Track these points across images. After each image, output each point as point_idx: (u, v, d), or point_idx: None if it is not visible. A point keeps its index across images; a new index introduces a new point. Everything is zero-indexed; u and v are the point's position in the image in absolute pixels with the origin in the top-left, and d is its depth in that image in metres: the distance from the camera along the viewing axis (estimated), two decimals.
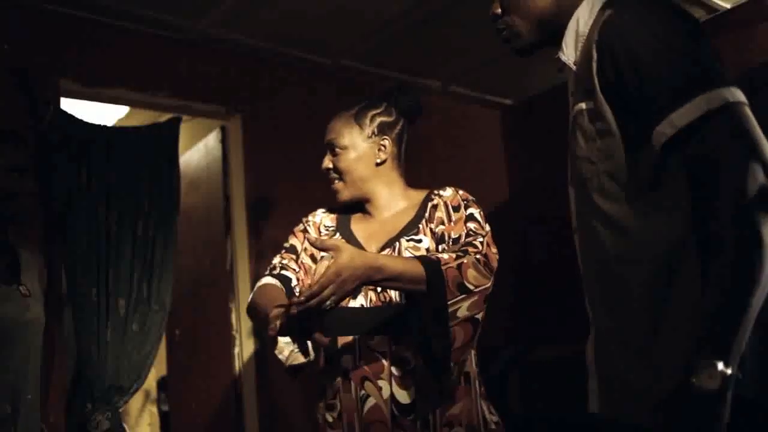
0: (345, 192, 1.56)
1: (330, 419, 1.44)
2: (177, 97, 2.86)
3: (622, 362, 1.07)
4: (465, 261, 1.36)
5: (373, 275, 1.27)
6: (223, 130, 3.12)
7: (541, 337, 3.77)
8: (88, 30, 2.62)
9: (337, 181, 1.57)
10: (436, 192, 1.56)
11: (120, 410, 2.37)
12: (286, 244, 1.63)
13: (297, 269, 1.57)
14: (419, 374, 1.39)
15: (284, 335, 1.28)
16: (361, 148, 1.55)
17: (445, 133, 3.82)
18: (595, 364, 1.13)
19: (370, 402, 1.39)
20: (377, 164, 1.55)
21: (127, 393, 2.39)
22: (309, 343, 1.31)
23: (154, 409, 4.24)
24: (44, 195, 2.28)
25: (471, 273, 1.36)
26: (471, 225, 1.48)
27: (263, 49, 3.03)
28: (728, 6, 3.07)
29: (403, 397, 1.38)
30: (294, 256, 1.59)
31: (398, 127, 1.60)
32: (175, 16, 2.68)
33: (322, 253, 1.56)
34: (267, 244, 3.00)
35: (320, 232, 1.61)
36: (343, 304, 1.41)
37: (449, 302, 1.32)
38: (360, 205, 1.60)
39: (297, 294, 1.52)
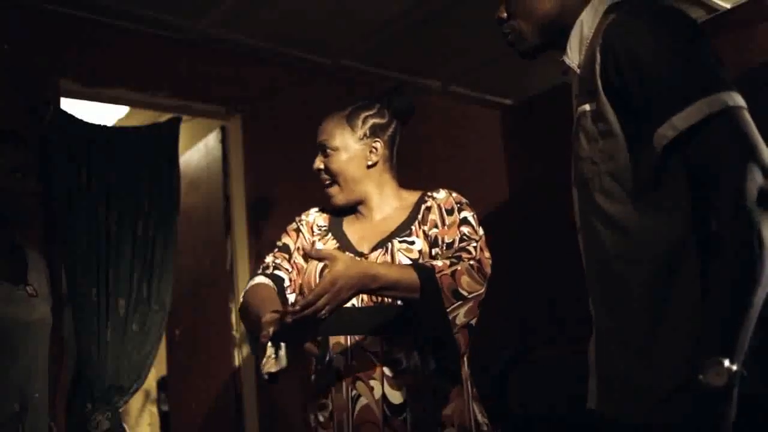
0: (340, 196, 1.56)
1: (321, 419, 1.44)
2: (177, 97, 2.86)
3: (622, 362, 1.08)
4: (459, 268, 1.36)
5: (368, 284, 1.27)
6: (223, 130, 3.12)
7: (541, 338, 3.77)
8: (88, 30, 2.62)
9: (330, 185, 1.57)
10: (429, 194, 1.56)
11: (120, 410, 2.38)
12: (279, 243, 1.63)
13: (290, 269, 1.57)
14: (411, 374, 1.39)
15: (277, 341, 1.28)
16: (352, 150, 1.54)
17: (445, 133, 3.82)
18: (596, 364, 1.15)
19: (362, 402, 1.39)
20: (368, 166, 1.55)
21: (127, 393, 2.39)
22: (284, 350, 1.30)
23: (154, 409, 4.24)
24: (44, 195, 2.28)
25: (465, 279, 1.36)
26: (465, 229, 1.47)
27: (263, 49, 3.03)
28: (728, 6, 3.07)
29: (394, 397, 1.38)
30: (287, 256, 1.59)
31: (391, 129, 1.59)
32: (175, 16, 2.69)
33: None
34: (267, 244, 2.99)
35: (313, 232, 1.61)
36: None
37: (448, 309, 1.33)
38: (353, 206, 1.59)
39: (289, 293, 1.53)
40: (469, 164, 3.88)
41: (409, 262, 1.43)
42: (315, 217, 1.64)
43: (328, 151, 1.55)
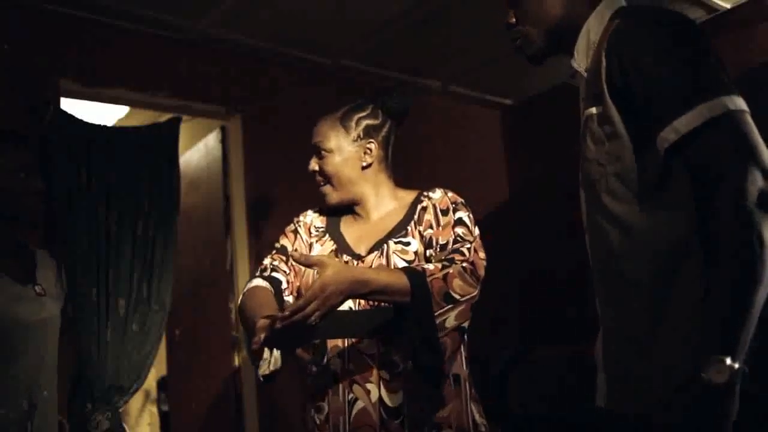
0: (333, 195, 1.56)
1: (318, 421, 1.44)
2: (177, 97, 2.86)
3: (626, 358, 1.10)
4: (451, 271, 1.36)
5: (358, 289, 1.27)
6: (223, 130, 3.12)
7: (541, 338, 3.77)
8: (88, 30, 2.62)
9: (324, 185, 1.57)
10: (425, 194, 1.56)
11: (120, 410, 2.37)
12: (277, 245, 1.63)
13: (287, 271, 1.56)
14: (408, 377, 1.38)
15: (270, 347, 1.28)
16: (346, 152, 1.54)
17: (445, 133, 3.82)
18: (603, 361, 1.17)
19: (359, 405, 1.39)
20: (363, 167, 1.55)
21: (127, 393, 2.39)
22: (277, 353, 1.30)
23: (154, 409, 4.24)
24: (44, 195, 2.28)
25: (457, 283, 1.35)
26: (459, 230, 1.47)
27: (263, 49, 3.03)
28: (728, 6, 3.08)
29: (391, 400, 1.38)
30: (284, 258, 1.59)
31: (385, 130, 1.59)
32: (175, 16, 2.69)
33: (312, 254, 1.56)
34: (267, 244, 2.99)
35: (310, 233, 1.61)
36: None
37: (437, 313, 1.32)
38: (350, 207, 1.59)
39: (286, 295, 1.53)
40: (469, 164, 3.89)
41: (404, 264, 1.43)
42: (312, 219, 1.64)
43: (323, 152, 1.55)
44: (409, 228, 1.50)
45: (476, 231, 1.49)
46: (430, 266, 1.36)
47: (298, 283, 1.55)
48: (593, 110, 1.12)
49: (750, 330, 0.93)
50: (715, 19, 3.09)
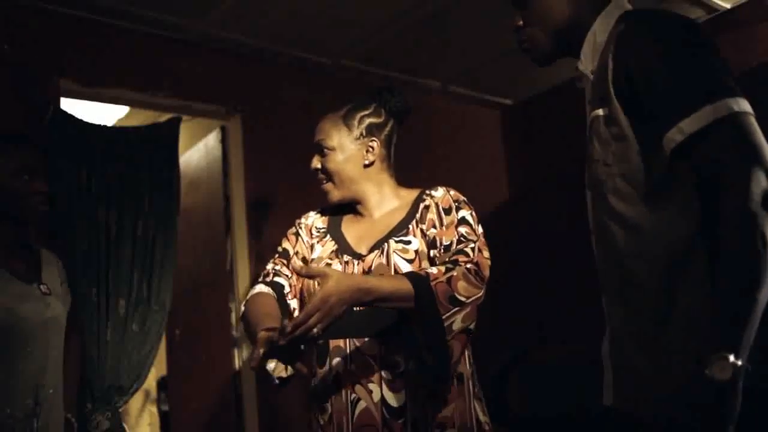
0: (335, 192, 1.56)
1: (321, 422, 1.44)
2: (177, 97, 2.86)
3: (632, 357, 1.12)
4: (455, 273, 1.35)
5: (361, 297, 1.26)
6: (223, 130, 3.12)
7: (541, 338, 3.77)
8: (88, 30, 2.62)
9: (326, 182, 1.57)
10: (427, 192, 1.55)
11: (120, 410, 2.38)
12: (280, 248, 1.63)
13: (289, 275, 1.57)
14: (410, 377, 1.38)
15: (272, 358, 1.28)
16: (349, 150, 1.54)
17: (445, 133, 3.82)
18: (611, 360, 1.19)
19: (361, 405, 1.39)
20: (365, 165, 1.55)
21: (127, 393, 2.39)
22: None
23: (154, 409, 4.24)
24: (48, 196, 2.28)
25: (462, 285, 1.35)
26: (462, 229, 1.46)
27: (263, 49, 3.03)
28: (728, 6, 3.08)
29: (393, 400, 1.38)
30: (286, 261, 1.59)
31: (387, 128, 1.59)
32: (175, 16, 2.69)
33: (313, 255, 1.56)
34: (267, 244, 3.00)
35: (312, 234, 1.61)
36: None
37: (444, 317, 1.32)
38: (352, 206, 1.59)
39: (289, 299, 1.53)
40: (469, 164, 3.89)
41: (405, 263, 1.43)
42: (314, 220, 1.64)
43: (325, 150, 1.55)
44: (410, 227, 1.49)
45: (480, 229, 1.49)
46: (434, 270, 1.36)
47: (300, 286, 1.55)
48: (600, 112, 1.14)
49: (753, 328, 0.95)
50: (715, 19, 3.09)
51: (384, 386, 1.39)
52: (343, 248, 1.52)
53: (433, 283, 1.32)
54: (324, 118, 1.59)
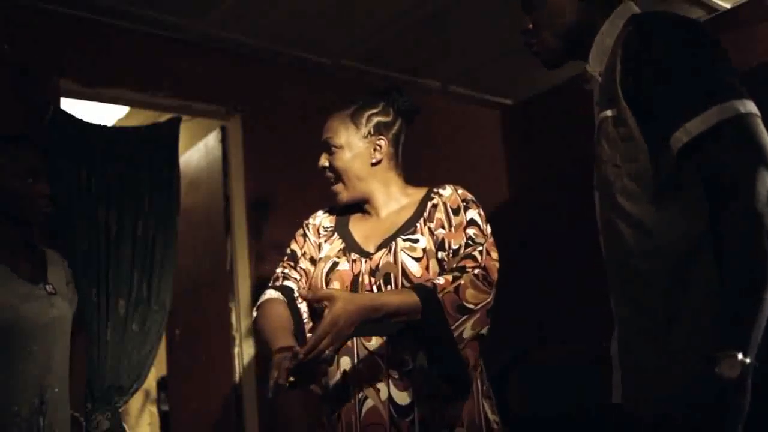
0: (344, 194, 1.56)
1: (331, 420, 1.44)
2: (177, 97, 2.86)
3: (641, 355, 1.13)
4: (462, 282, 1.36)
5: (369, 315, 1.27)
6: (223, 130, 3.12)
7: (541, 338, 3.77)
8: (88, 30, 2.62)
9: (335, 183, 1.57)
10: (435, 190, 1.55)
11: (120, 410, 2.38)
12: (288, 250, 1.63)
13: (298, 277, 1.57)
14: (417, 375, 1.38)
15: (289, 377, 1.29)
16: (356, 148, 1.54)
17: (445, 133, 3.82)
18: (619, 359, 1.20)
19: (369, 404, 1.39)
20: (373, 164, 1.55)
21: (127, 393, 2.39)
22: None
23: (154, 409, 4.25)
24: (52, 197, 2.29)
25: (470, 292, 1.35)
26: (471, 231, 1.46)
27: (263, 49, 3.03)
28: (728, 6, 3.08)
29: (401, 398, 1.38)
30: (294, 263, 1.60)
31: (395, 128, 1.59)
32: (175, 16, 2.69)
33: (321, 254, 1.56)
34: (267, 244, 3.00)
35: (319, 234, 1.61)
36: None
37: (453, 327, 1.32)
38: (360, 205, 1.59)
39: (300, 302, 1.53)
40: (469, 164, 3.88)
41: (413, 261, 1.43)
42: (321, 219, 1.64)
43: (333, 148, 1.55)
44: (418, 225, 1.49)
45: (488, 229, 1.49)
46: (441, 280, 1.36)
47: (308, 285, 1.56)
48: (608, 113, 1.16)
49: (761, 326, 0.96)
50: (715, 19, 3.09)
51: (391, 385, 1.39)
52: (350, 246, 1.52)
53: (440, 295, 1.33)
54: (332, 116, 1.59)
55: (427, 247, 1.45)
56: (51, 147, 2.33)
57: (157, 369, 3.88)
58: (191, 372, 3.38)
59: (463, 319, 1.33)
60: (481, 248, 1.43)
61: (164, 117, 2.81)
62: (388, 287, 1.42)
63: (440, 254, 1.45)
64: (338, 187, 1.56)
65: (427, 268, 1.43)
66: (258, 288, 2.99)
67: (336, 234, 1.58)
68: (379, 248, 1.48)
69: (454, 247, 1.45)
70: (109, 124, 3.04)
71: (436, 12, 2.82)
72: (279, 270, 1.60)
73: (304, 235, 1.63)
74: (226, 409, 3.04)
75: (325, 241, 1.58)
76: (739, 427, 0.97)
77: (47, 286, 1.82)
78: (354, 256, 1.49)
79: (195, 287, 3.28)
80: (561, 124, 3.77)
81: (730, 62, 1.09)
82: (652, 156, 1.10)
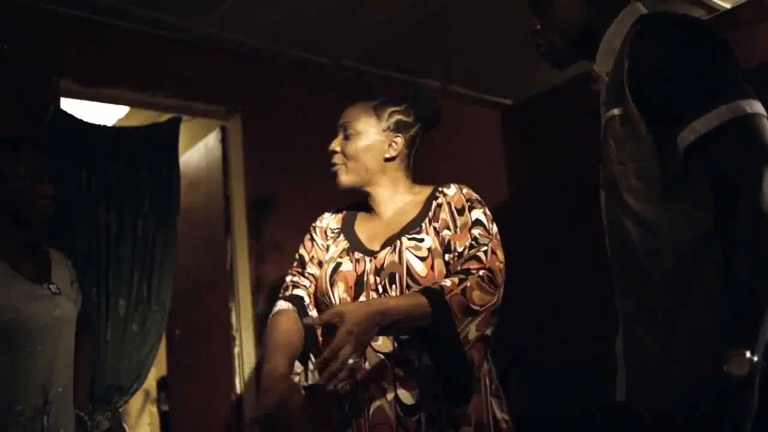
0: (345, 177, 1.54)
1: (341, 420, 1.45)
2: (177, 97, 2.86)
3: (647, 353, 1.14)
4: (469, 284, 1.35)
5: (379, 321, 1.26)
6: (223, 130, 3.12)
7: (541, 338, 3.77)
8: (88, 30, 2.62)
9: (339, 164, 1.55)
10: (440, 189, 1.55)
11: (120, 410, 2.38)
12: (297, 255, 1.63)
13: (307, 284, 1.57)
14: (423, 375, 1.38)
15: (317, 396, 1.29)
16: (372, 138, 1.54)
17: (445, 133, 3.80)
18: (624, 357, 1.21)
19: (376, 404, 1.39)
20: (386, 159, 1.55)
21: (127, 393, 2.39)
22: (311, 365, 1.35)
23: (154, 409, 4.25)
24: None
25: (476, 294, 1.35)
26: (475, 231, 1.45)
27: (263, 49, 3.03)
28: (728, 6, 3.08)
29: (407, 398, 1.38)
30: (302, 269, 1.59)
31: (413, 130, 1.59)
32: (175, 16, 2.69)
33: (327, 256, 1.56)
34: (267, 244, 3.00)
35: (326, 236, 1.61)
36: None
37: (459, 329, 1.32)
38: (366, 204, 1.59)
39: (310, 310, 1.53)
40: (469, 164, 3.88)
41: (418, 260, 1.43)
42: (329, 221, 1.64)
43: (349, 132, 1.54)
44: (423, 224, 1.49)
45: (494, 228, 1.47)
46: (447, 282, 1.35)
47: (314, 291, 1.56)
48: (615, 111, 1.16)
49: None
50: (715, 19, 3.10)
51: (398, 384, 1.39)
52: (354, 246, 1.52)
53: (447, 297, 1.32)
54: (354, 104, 1.59)
55: (433, 247, 1.45)
56: (51, 147, 2.33)
57: (157, 369, 3.88)
58: (191, 372, 3.38)
59: (468, 320, 1.33)
60: (485, 248, 1.42)
61: (164, 117, 2.81)
62: (393, 286, 1.42)
63: (447, 257, 1.45)
64: (341, 168, 1.54)
65: (432, 267, 1.42)
66: (258, 288, 2.99)
67: (342, 235, 1.58)
68: (383, 246, 1.48)
69: (459, 249, 1.44)
70: (109, 124, 3.04)
71: (436, 12, 2.82)
72: (288, 278, 1.59)
73: (312, 239, 1.63)
74: (225, 409, 3.04)
75: (332, 243, 1.58)
76: (747, 425, 0.97)
77: (51, 286, 1.84)
78: (357, 255, 1.49)
79: (195, 287, 3.28)
80: (561, 124, 3.76)
81: (738, 62, 1.10)
82: (659, 155, 1.11)
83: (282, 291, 1.59)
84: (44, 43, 2.50)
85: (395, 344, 1.40)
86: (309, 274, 1.58)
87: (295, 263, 1.61)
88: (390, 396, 1.39)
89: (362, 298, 1.44)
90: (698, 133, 1.03)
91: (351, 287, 1.46)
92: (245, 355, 2.98)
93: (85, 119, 2.50)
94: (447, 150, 3.78)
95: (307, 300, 1.54)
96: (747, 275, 0.98)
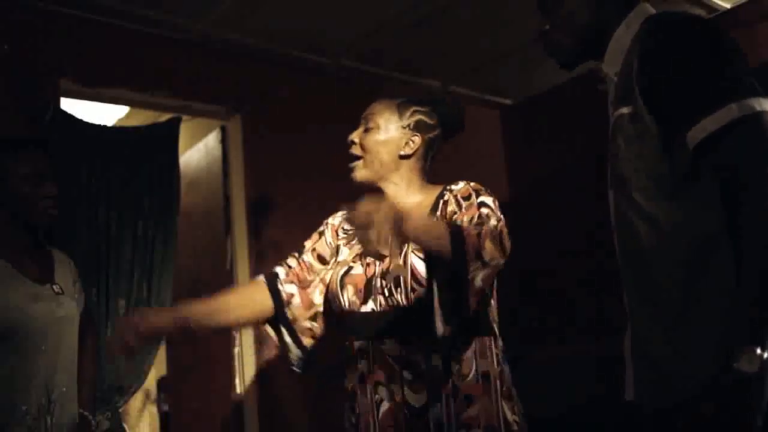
0: (362, 171, 1.56)
1: (353, 421, 1.47)
2: (177, 97, 2.86)
3: (656, 351, 1.14)
4: (484, 229, 1.34)
5: (404, 217, 1.22)
6: (223, 130, 3.12)
7: (541, 338, 3.77)
8: (88, 30, 2.62)
9: (356, 159, 1.56)
10: (448, 187, 1.56)
11: (120, 410, 2.38)
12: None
13: (293, 265, 1.59)
14: (431, 377, 1.39)
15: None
16: (390, 133, 1.55)
17: None
18: (632, 355, 1.21)
19: (384, 406, 1.40)
20: (401, 156, 1.55)
21: (127, 393, 2.39)
22: (289, 340, 1.43)
23: (154, 409, 4.24)
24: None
25: (488, 244, 1.32)
26: (484, 210, 1.44)
27: (263, 49, 3.03)
28: (728, 6, 3.08)
29: (415, 400, 1.38)
30: (298, 254, 1.62)
31: (434, 133, 1.60)
32: (175, 16, 2.69)
33: (339, 258, 1.58)
34: (267, 244, 3.00)
35: (338, 235, 1.63)
36: (355, 309, 1.46)
37: (470, 267, 1.30)
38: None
39: (286, 283, 1.57)
40: (469, 164, 3.88)
41: (422, 263, 1.42)
42: (341, 221, 1.65)
43: (370, 124, 1.56)
44: None
45: (501, 215, 1.46)
46: (465, 220, 1.36)
47: (308, 276, 1.58)
48: (624, 110, 1.17)
49: None
50: (715, 19, 3.09)
51: (405, 387, 1.39)
52: (367, 251, 1.53)
53: (465, 233, 1.31)
54: (378, 100, 1.61)
55: None
56: (51, 147, 2.33)
57: (157, 369, 3.87)
58: (191, 372, 3.38)
59: (478, 265, 1.30)
60: (495, 223, 1.41)
61: (164, 117, 2.81)
62: (398, 290, 1.43)
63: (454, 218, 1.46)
64: (358, 163, 1.56)
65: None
66: None
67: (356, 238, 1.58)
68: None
69: (467, 219, 1.43)
70: (109, 124, 3.04)
71: (436, 12, 2.82)
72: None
73: (321, 233, 1.65)
74: (225, 409, 3.04)
75: (344, 244, 1.60)
76: (757, 423, 0.97)
77: (54, 286, 1.84)
78: (369, 259, 1.50)
79: (195, 287, 3.27)
80: (561, 124, 3.76)
81: (747, 61, 1.10)
82: (668, 153, 1.11)
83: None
84: (44, 43, 2.50)
85: (403, 347, 1.41)
86: (303, 260, 1.60)
87: (297, 249, 1.64)
88: (398, 398, 1.39)
89: (371, 302, 1.46)
90: (708, 131, 1.03)
91: (360, 290, 1.47)
92: (245, 355, 2.97)
93: (85, 119, 2.50)
94: (447, 150, 3.76)
95: (282, 276, 1.58)
96: (757, 271, 0.98)
